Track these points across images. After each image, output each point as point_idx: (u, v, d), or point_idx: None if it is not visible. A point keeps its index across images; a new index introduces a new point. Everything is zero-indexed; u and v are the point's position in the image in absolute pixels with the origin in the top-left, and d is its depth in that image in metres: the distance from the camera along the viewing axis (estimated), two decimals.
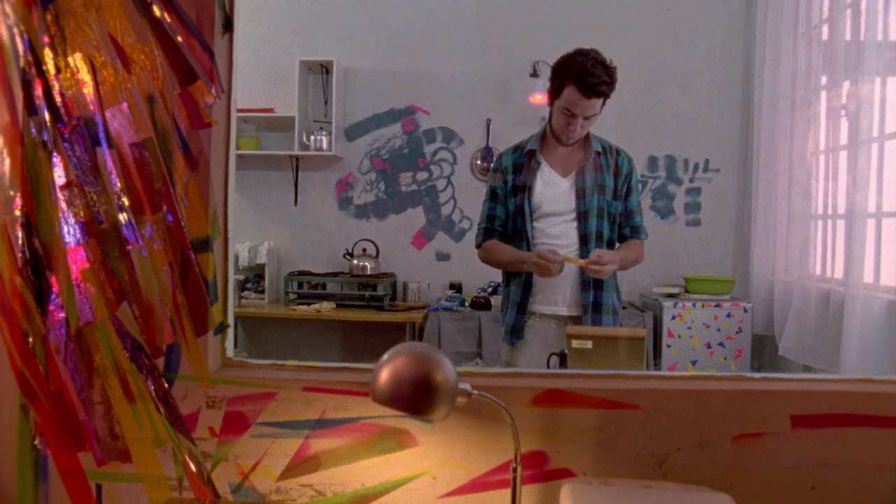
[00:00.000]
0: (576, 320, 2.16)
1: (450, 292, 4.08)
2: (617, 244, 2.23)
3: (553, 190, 2.15)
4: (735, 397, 1.18)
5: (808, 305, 3.08)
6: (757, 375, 1.24)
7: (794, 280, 3.32)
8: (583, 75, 2.00)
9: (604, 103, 2.09)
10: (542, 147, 2.19)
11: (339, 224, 4.33)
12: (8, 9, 1.18)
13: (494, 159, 2.32)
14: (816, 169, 3.23)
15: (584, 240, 2.13)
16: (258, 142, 4.31)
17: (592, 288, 2.13)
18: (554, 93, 2.11)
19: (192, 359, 1.23)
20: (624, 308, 3.73)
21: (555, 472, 1.19)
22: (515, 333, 2.20)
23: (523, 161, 2.19)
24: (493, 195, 2.24)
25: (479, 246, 2.29)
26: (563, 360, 1.91)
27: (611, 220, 2.16)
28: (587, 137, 2.19)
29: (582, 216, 2.13)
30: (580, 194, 2.13)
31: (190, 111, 1.21)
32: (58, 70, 1.19)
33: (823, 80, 3.15)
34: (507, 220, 2.22)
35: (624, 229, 2.22)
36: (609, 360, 1.64)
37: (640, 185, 2.36)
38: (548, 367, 1.96)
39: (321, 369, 1.28)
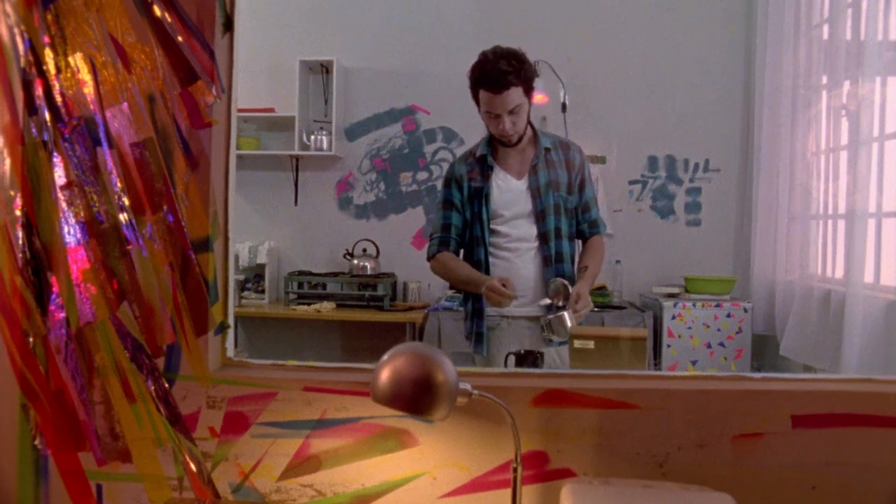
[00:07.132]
0: (536, 320, 2.13)
1: (450, 292, 4.07)
2: (577, 241, 2.22)
3: (509, 193, 2.14)
4: (735, 397, 1.18)
5: (809, 305, 3.08)
6: (757, 375, 1.24)
7: (794, 280, 3.32)
8: (485, 75, 2.03)
9: (527, 93, 2.06)
10: (493, 151, 2.19)
11: (339, 224, 4.32)
12: (8, 9, 1.18)
13: (446, 169, 2.30)
14: (817, 169, 3.22)
15: (543, 238, 2.13)
16: (258, 142, 4.31)
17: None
18: (475, 101, 2.12)
19: (192, 359, 1.23)
20: (624, 308, 3.77)
21: (555, 472, 1.19)
22: (480, 340, 2.18)
23: (476, 167, 2.18)
24: (448, 204, 2.21)
25: (432, 257, 2.25)
26: (519, 359, 1.89)
27: (568, 215, 2.16)
28: (536, 135, 2.18)
29: (539, 215, 2.13)
30: (535, 194, 2.12)
31: (190, 111, 1.21)
32: (58, 70, 1.19)
33: (824, 79, 3.15)
34: (464, 228, 2.21)
35: (582, 225, 2.21)
36: (611, 360, 1.64)
37: (594, 178, 2.32)
38: (504, 366, 1.94)
39: (321, 369, 1.28)
